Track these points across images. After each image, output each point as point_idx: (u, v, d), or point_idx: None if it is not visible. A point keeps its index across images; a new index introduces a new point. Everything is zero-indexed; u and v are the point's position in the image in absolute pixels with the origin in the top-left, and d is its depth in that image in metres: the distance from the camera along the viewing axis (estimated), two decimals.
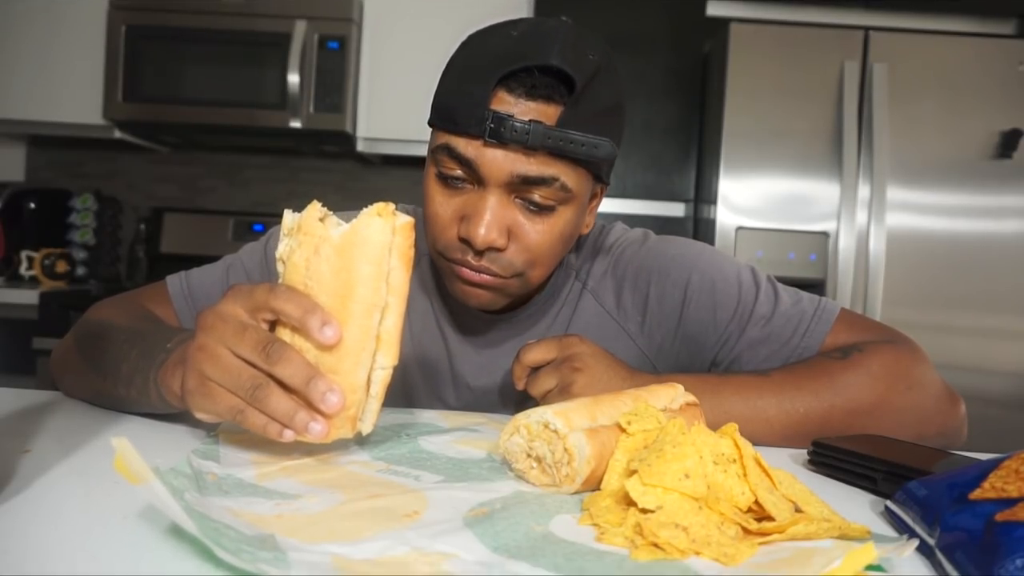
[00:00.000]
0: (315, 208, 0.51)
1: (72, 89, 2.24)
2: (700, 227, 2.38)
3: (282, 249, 0.53)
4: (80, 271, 2.42)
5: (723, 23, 2.10)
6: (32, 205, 2.40)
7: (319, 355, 0.50)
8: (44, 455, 0.53)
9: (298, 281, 0.51)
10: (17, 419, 0.64)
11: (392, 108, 2.27)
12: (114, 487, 0.46)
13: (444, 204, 0.72)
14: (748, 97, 2.04)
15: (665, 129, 2.56)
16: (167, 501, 0.36)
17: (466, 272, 0.72)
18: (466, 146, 0.69)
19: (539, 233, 0.72)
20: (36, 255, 2.29)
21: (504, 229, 0.70)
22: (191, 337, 0.53)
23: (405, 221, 0.52)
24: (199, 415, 0.52)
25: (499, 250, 0.71)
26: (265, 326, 0.52)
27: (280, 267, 0.53)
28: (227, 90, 2.21)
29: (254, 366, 0.50)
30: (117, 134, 2.32)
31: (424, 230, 0.89)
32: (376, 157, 2.47)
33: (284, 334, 0.51)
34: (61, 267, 2.30)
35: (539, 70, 0.67)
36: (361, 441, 0.61)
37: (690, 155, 2.56)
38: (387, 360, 0.52)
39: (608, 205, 2.53)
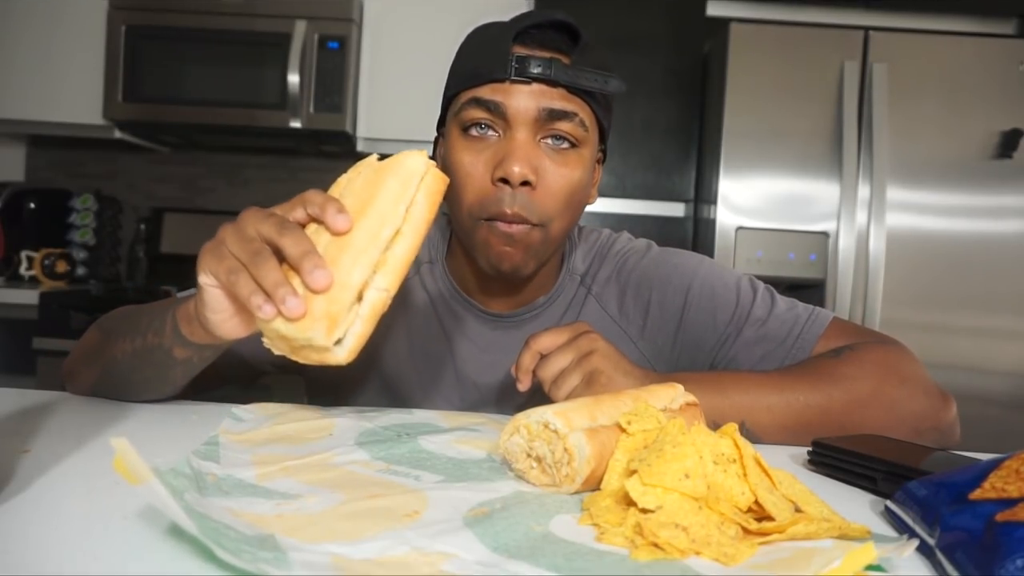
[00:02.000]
0: (374, 156, 0.56)
1: (72, 89, 2.24)
2: (700, 227, 2.38)
3: (337, 180, 0.57)
4: (80, 271, 2.42)
5: (723, 23, 2.10)
6: (32, 205, 2.40)
7: (325, 249, 0.51)
8: (44, 455, 0.53)
9: (336, 193, 0.55)
10: (17, 419, 0.64)
11: (392, 108, 2.27)
12: (114, 487, 0.46)
13: (474, 162, 0.77)
14: (748, 97, 2.04)
15: (665, 129, 2.56)
16: (167, 501, 0.36)
17: (501, 225, 0.75)
18: (493, 91, 0.75)
19: (562, 176, 0.76)
20: (36, 255, 2.29)
21: (535, 167, 0.75)
22: None
23: (442, 174, 0.55)
24: (201, 278, 0.54)
25: (532, 188, 0.75)
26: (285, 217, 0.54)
27: None
28: (227, 90, 2.21)
29: (268, 241, 0.52)
30: (117, 134, 2.32)
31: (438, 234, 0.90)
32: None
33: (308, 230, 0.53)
34: (61, 267, 2.30)
35: (547, 26, 0.76)
36: (361, 441, 0.61)
37: (690, 155, 2.56)
38: (386, 282, 0.52)
39: (608, 205, 2.53)
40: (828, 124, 2.02)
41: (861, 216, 2.00)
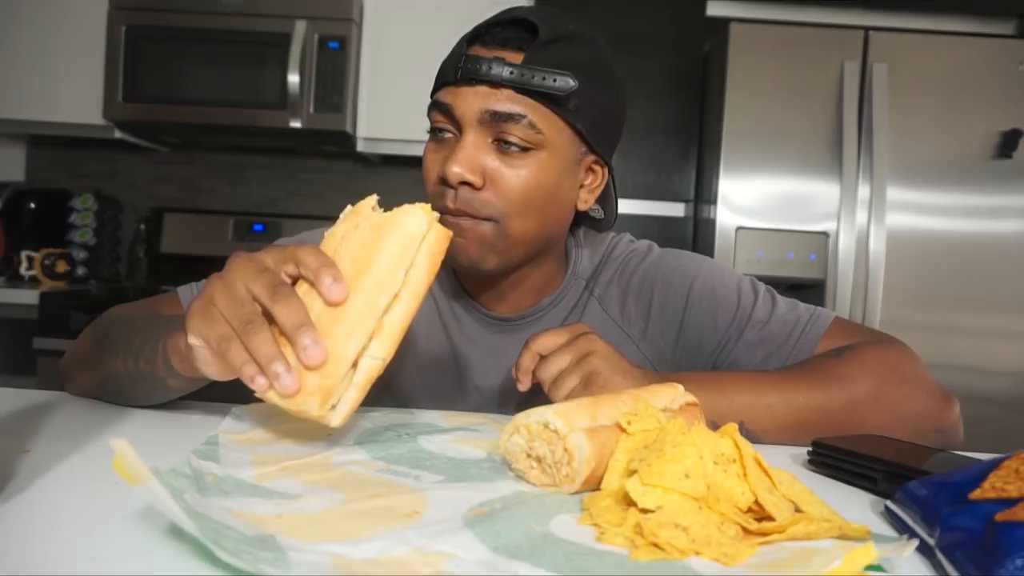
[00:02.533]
0: (372, 198, 0.55)
1: (72, 89, 2.24)
2: (700, 227, 2.38)
3: (331, 229, 0.56)
4: (80, 271, 2.42)
5: (723, 23, 2.10)
6: (32, 205, 2.40)
7: (319, 316, 0.50)
8: (44, 455, 0.53)
9: (330, 248, 0.53)
10: (17, 419, 0.64)
11: (392, 108, 2.27)
12: (114, 487, 0.46)
13: (432, 159, 0.78)
14: (748, 97, 2.04)
15: (665, 129, 2.56)
16: (166, 502, 0.36)
17: (448, 218, 0.75)
18: (445, 94, 0.76)
19: (515, 176, 0.75)
20: (36, 255, 2.29)
21: (478, 168, 0.74)
22: None
23: (445, 229, 0.54)
24: (191, 340, 0.52)
25: (475, 188, 0.74)
26: (287, 280, 0.53)
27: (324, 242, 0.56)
28: (227, 90, 2.21)
29: (260, 304, 0.51)
30: (117, 134, 2.32)
31: None
32: (376, 157, 2.47)
33: (299, 290, 0.52)
34: (61, 267, 2.30)
35: (510, 23, 0.75)
36: (361, 441, 0.61)
37: (690, 155, 2.56)
38: (381, 351, 0.51)
39: None
40: (828, 124, 2.02)
41: (861, 216, 2.00)
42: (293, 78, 2.15)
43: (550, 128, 0.75)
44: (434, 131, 0.78)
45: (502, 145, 0.74)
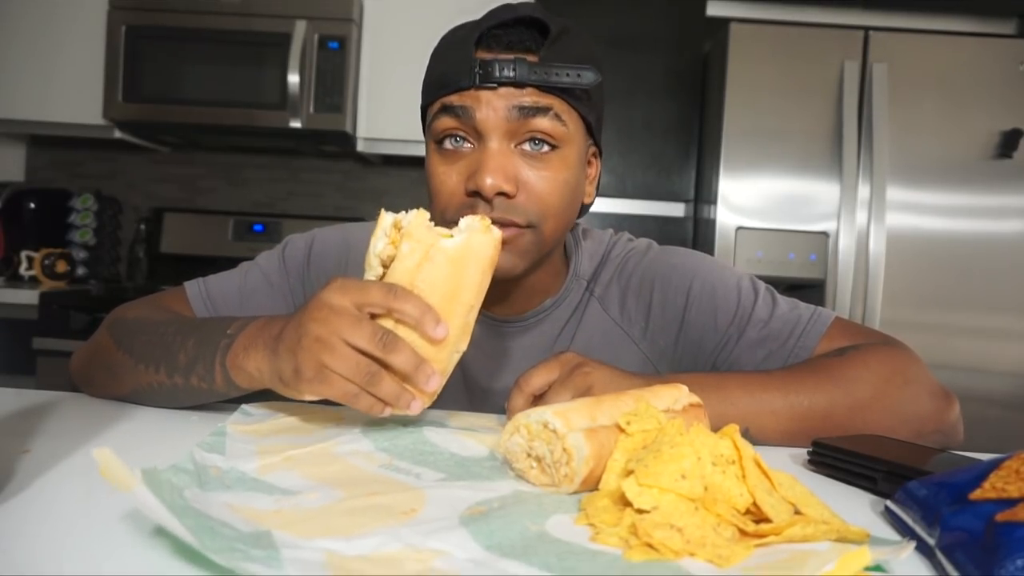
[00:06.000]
0: (423, 215, 0.58)
1: (72, 89, 2.24)
2: (700, 227, 2.38)
3: (381, 248, 0.59)
4: (80, 271, 2.42)
5: (723, 23, 2.10)
6: (32, 205, 2.40)
7: (420, 344, 0.57)
8: (44, 455, 0.53)
9: (406, 282, 0.57)
10: (17, 419, 0.64)
11: (392, 108, 2.27)
12: (113, 487, 0.46)
13: (447, 172, 0.75)
14: (748, 97, 2.04)
15: (665, 129, 2.56)
16: (152, 505, 0.37)
17: None
18: (460, 99, 0.72)
19: (545, 180, 0.74)
20: (36, 255, 2.29)
21: (511, 177, 0.72)
22: (288, 324, 0.58)
23: (499, 235, 0.60)
24: (306, 397, 0.58)
25: (509, 197, 0.72)
26: (368, 316, 0.56)
27: (375, 262, 0.59)
28: (227, 90, 2.21)
29: (367, 354, 0.55)
30: (117, 134, 2.32)
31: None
32: (376, 157, 2.47)
33: (387, 323, 0.57)
34: (61, 267, 2.30)
35: (513, 23, 0.73)
36: (366, 430, 0.62)
37: (690, 155, 2.56)
38: (462, 346, 0.61)
39: (608, 205, 2.53)
40: (828, 124, 2.01)
41: (861, 216, 2.00)
42: (293, 78, 2.15)
43: (571, 122, 0.75)
44: (442, 141, 0.75)
45: (529, 146, 0.73)
